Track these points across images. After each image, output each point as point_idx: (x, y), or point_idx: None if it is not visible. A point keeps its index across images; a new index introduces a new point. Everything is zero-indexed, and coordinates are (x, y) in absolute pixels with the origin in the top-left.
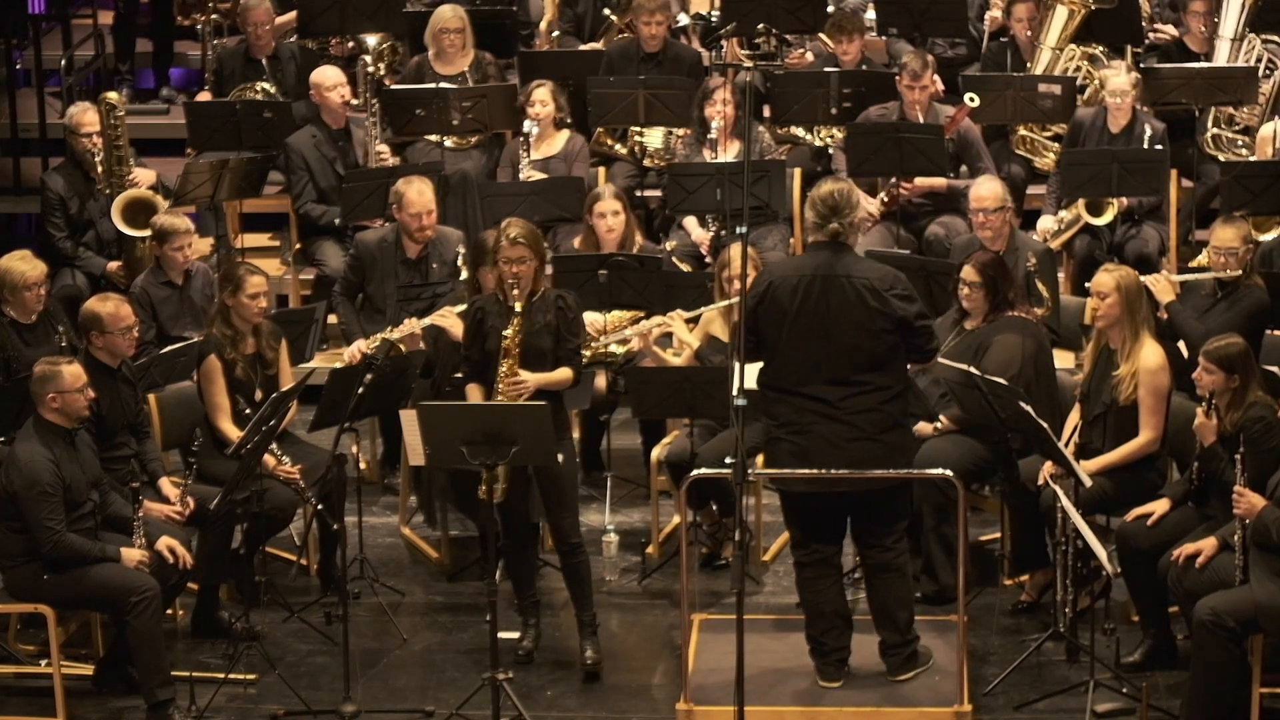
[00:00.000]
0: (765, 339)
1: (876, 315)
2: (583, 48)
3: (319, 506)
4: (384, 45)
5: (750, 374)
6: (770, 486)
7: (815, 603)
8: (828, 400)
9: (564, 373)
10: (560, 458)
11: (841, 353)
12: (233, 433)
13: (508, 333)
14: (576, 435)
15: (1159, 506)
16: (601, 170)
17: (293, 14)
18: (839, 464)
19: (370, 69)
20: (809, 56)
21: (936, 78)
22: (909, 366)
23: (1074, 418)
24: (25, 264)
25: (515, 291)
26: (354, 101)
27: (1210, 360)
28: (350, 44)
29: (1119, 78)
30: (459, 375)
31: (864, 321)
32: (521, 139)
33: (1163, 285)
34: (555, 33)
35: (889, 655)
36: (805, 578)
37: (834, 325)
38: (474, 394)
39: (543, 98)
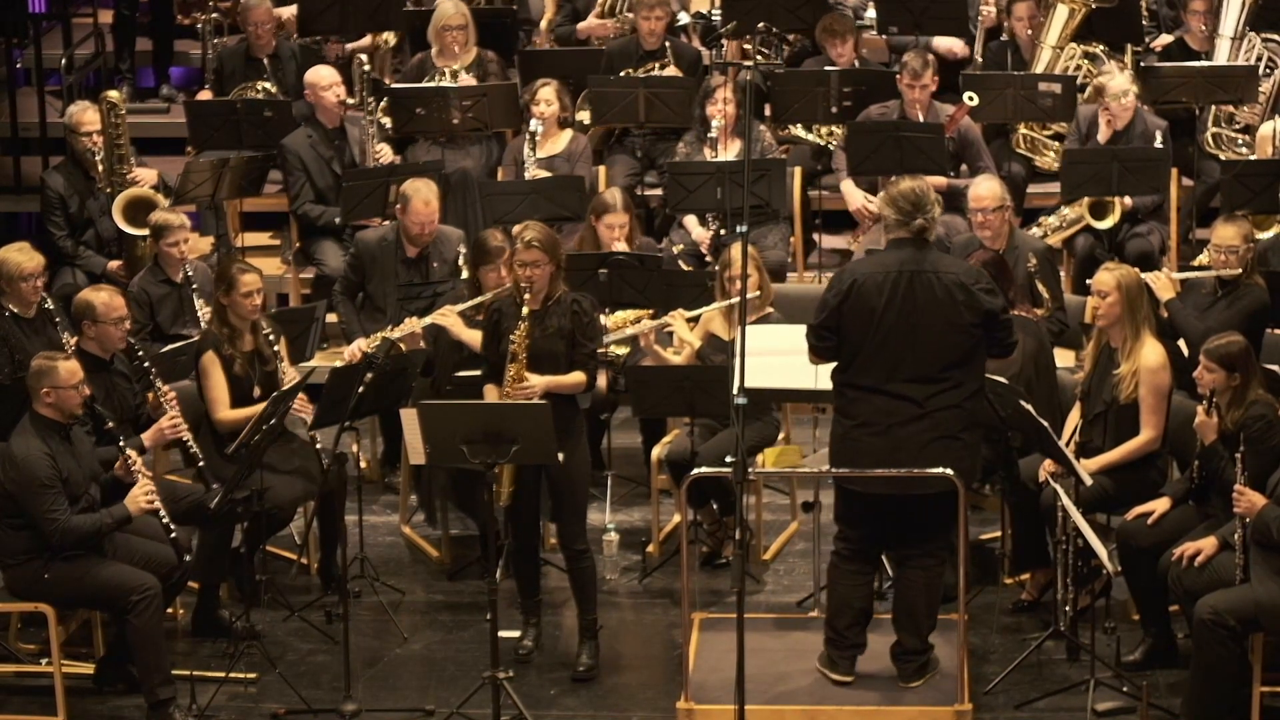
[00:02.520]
0: (849, 337)
1: (964, 310)
2: (582, 34)
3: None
4: (387, 46)
5: (754, 373)
6: (777, 484)
7: (847, 596)
8: (913, 399)
9: (575, 376)
10: (572, 462)
11: (929, 349)
12: (231, 417)
13: (514, 336)
14: None
15: (1159, 505)
16: (602, 170)
17: (292, 9)
18: (920, 465)
19: (366, 68)
20: None
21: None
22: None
23: (1074, 416)
24: (23, 255)
25: (528, 295)
26: (350, 101)
27: (1211, 359)
28: (348, 45)
29: (1116, 80)
30: (460, 374)
31: (952, 317)
32: (527, 137)
33: (1163, 283)
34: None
35: (903, 661)
36: (843, 571)
37: (922, 321)
38: (491, 395)
39: (548, 97)
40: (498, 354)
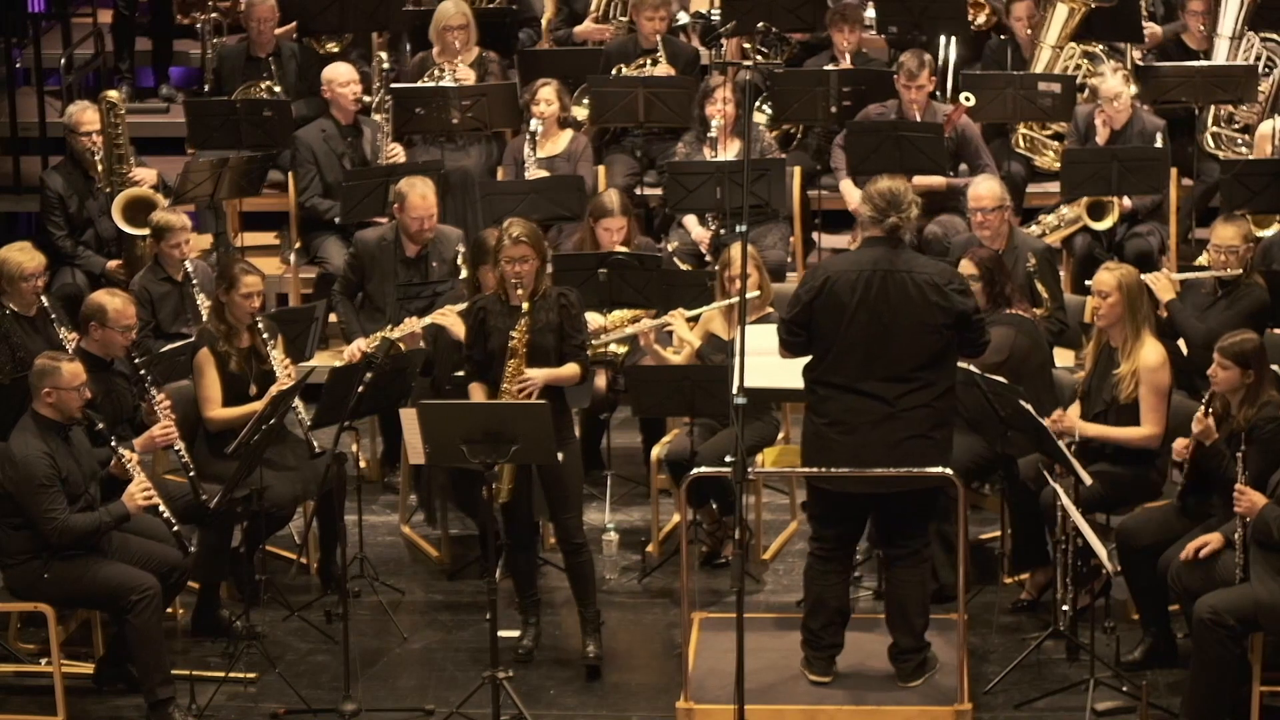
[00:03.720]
0: (820, 334)
1: (938, 310)
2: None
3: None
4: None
5: (754, 373)
6: (777, 484)
7: (821, 596)
8: (884, 398)
9: (571, 368)
10: (563, 457)
11: (901, 348)
12: (221, 416)
13: (514, 333)
14: (576, 434)
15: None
16: (601, 169)
17: (292, 25)
18: (889, 463)
19: (386, 66)
20: None
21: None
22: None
23: (1074, 414)
24: (24, 254)
25: (519, 291)
26: (367, 99)
27: (1226, 356)
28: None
29: (1109, 82)
30: (459, 374)
31: (925, 317)
32: (527, 137)
33: (1163, 284)
34: (558, 30)
35: (901, 660)
36: (817, 570)
37: (894, 321)
38: (477, 393)
39: (548, 96)
40: (484, 352)
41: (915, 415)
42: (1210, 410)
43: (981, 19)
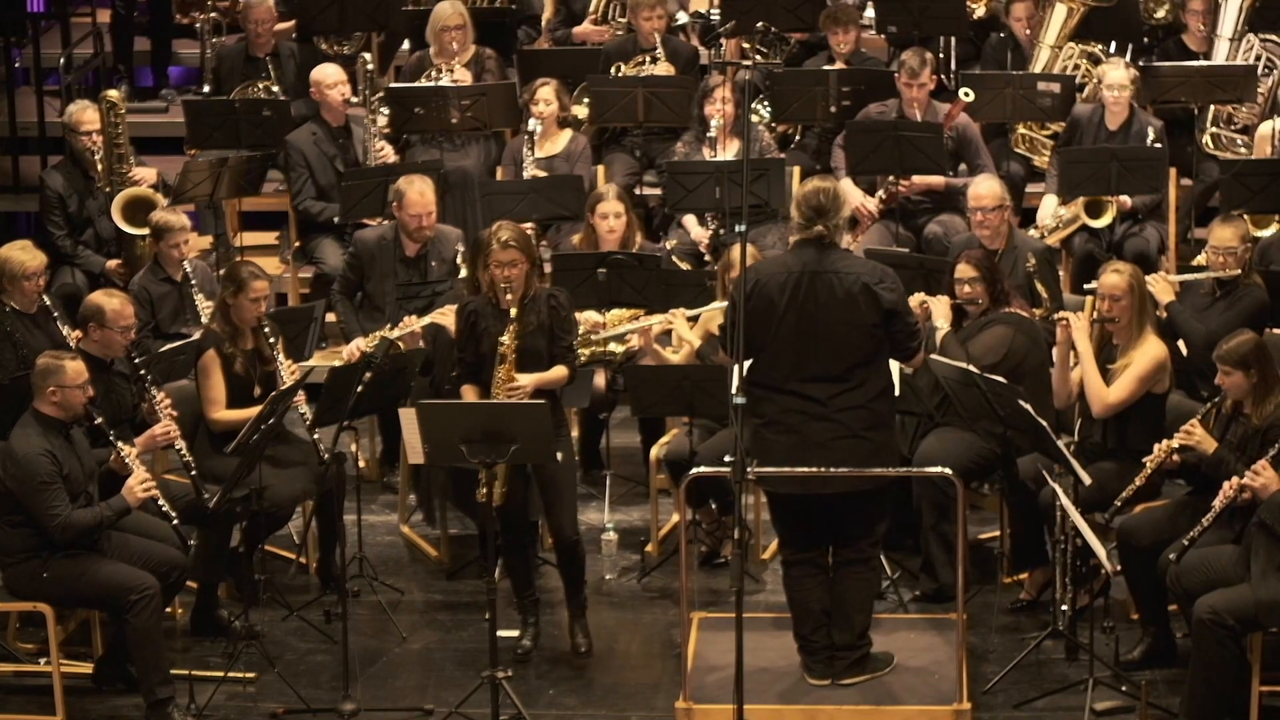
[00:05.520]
0: (753, 337)
1: (866, 309)
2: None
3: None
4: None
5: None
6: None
7: (803, 601)
8: (816, 398)
9: (559, 371)
10: (558, 456)
11: (832, 349)
12: (226, 418)
13: (505, 339)
14: (576, 434)
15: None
16: (601, 169)
17: (292, 22)
18: (825, 463)
19: (370, 67)
20: None
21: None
22: (904, 366)
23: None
24: (25, 253)
25: (510, 296)
26: (354, 99)
27: (1226, 362)
28: (344, 45)
29: (1116, 72)
30: (457, 374)
31: (854, 317)
32: (526, 137)
33: (1162, 286)
34: (557, 30)
35: (837, 657)
36: (793, 577)
37: (825, 321)
38: (469, 396)
39: (547, 96)
40: (475, 354)
41: (848, 415)
42: (1209, 418)
43: (980, 10)
